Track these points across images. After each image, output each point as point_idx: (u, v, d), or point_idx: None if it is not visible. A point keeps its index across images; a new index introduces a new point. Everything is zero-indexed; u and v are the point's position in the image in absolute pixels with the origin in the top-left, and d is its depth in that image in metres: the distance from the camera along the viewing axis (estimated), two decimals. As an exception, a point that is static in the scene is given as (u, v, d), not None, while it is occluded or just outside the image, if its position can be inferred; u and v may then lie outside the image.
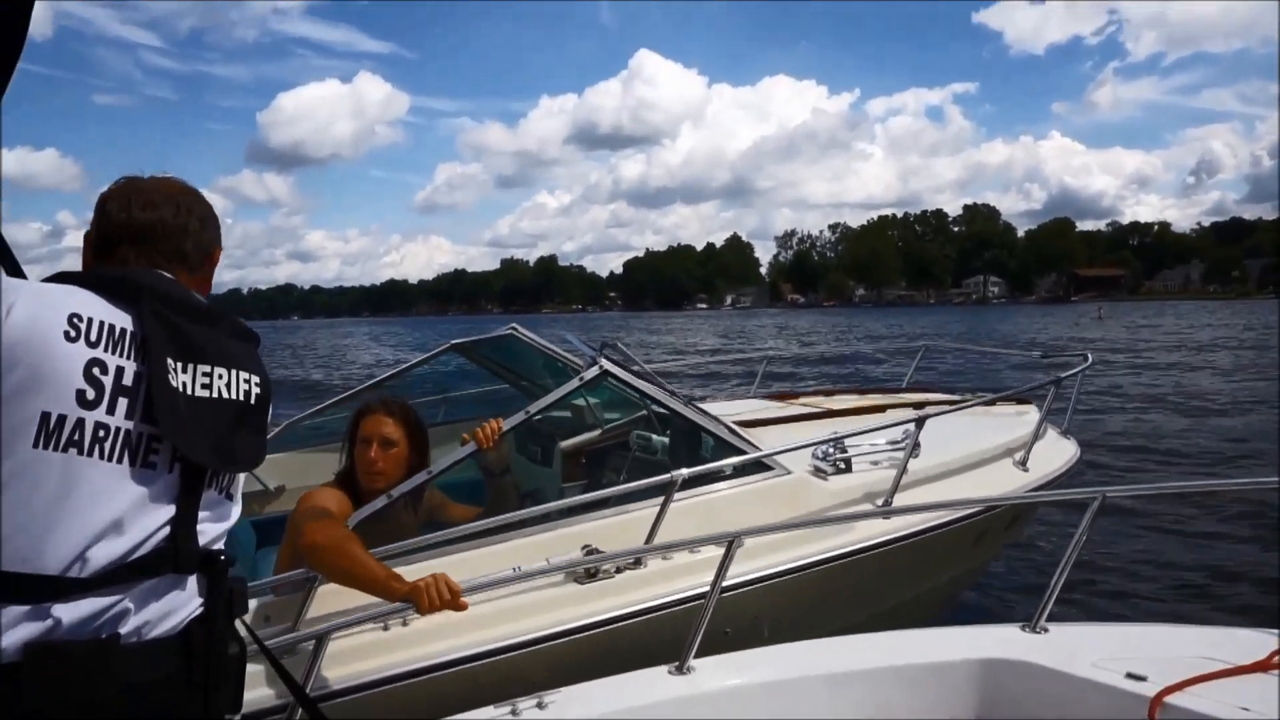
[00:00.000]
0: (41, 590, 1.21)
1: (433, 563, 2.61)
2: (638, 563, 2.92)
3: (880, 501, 3.46)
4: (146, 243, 1.48)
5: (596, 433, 3.90)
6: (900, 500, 3.47)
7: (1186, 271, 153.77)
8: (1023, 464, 4.14)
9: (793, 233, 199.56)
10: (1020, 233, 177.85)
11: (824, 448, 3.58)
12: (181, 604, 1.36)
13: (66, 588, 1.22)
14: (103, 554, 1.26)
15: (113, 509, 1.28)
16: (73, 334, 1.27)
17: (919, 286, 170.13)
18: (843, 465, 3.59)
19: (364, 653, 2.46)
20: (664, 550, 2.98)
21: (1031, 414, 4.90)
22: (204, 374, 1.38)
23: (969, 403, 4.64)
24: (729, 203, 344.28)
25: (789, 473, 3.38)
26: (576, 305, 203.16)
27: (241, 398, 1.42)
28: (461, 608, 2.13)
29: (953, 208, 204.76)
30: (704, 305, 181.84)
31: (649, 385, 3.53)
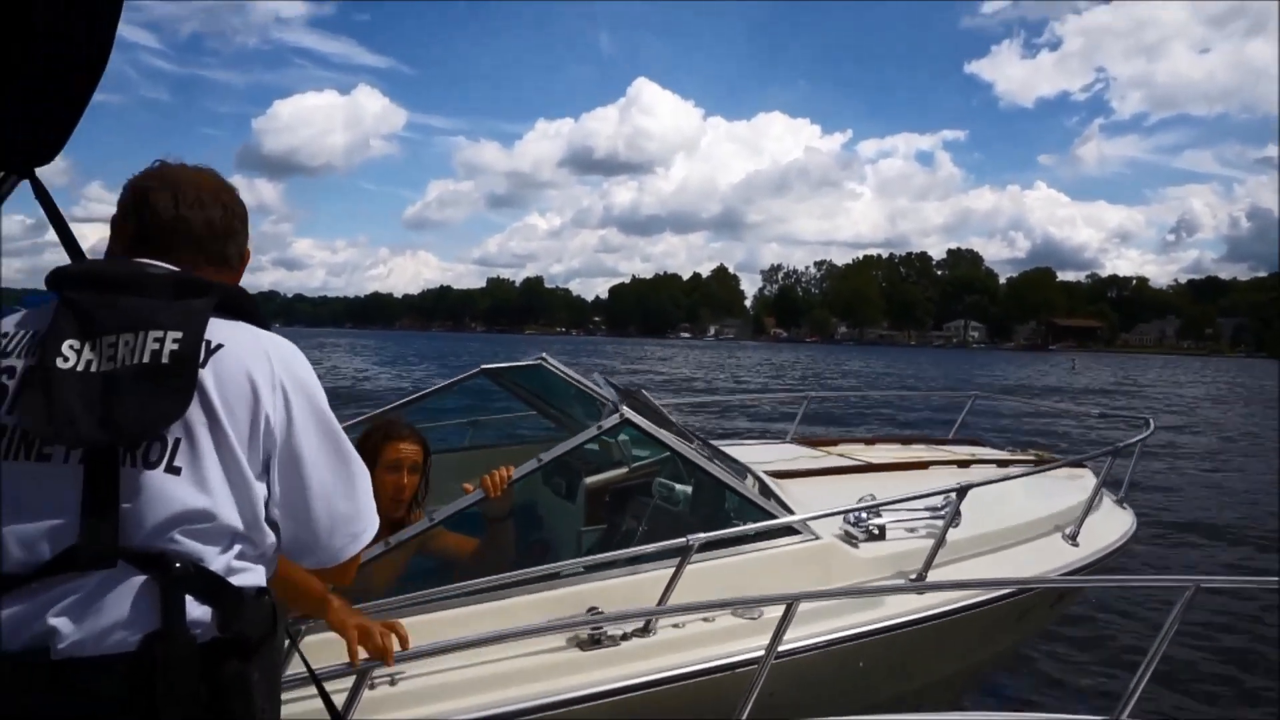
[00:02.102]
0: None
1: (424, 618, 2.45)
2: (647, 629, 2.68)
3: (913, 574, 3.21)
4: (194, 243, 1.44)
5: (624, 470, 3.64)
6: (936, 575, 3.21)
7: (1162, 326, 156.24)
8: (1073, 538, 3.84)
9: (779, 267, 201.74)
10: (1002, 279, 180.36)
11: (857, 514, 3.33)
12: (122, 617, 1.20)
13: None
14: (13, 554, 1.20)
15: (15, 508, 1.22)
16: None
17: (901, 327, 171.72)
18: (876, 532, 3.33)
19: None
20: (679, 612, 2.75)
21: (1086, 479, 4.61)
22: (109, 345, 1.27)
23: (1015, 474, 4.39)
24: (718, 234, 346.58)
25: (817, 538, 3.15)
26: (561, 328, 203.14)
27: (147, 358, 1.25)
28: (386, 661, 1.93)
29: (938, 251, 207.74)
30: (688, 334, 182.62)
31: (673, 437, 3.28)
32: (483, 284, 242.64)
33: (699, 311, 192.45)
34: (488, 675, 2.40)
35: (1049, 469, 4.77)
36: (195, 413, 1.28)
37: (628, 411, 3.05)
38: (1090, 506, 4.04)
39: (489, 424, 4.61)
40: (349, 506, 1.45)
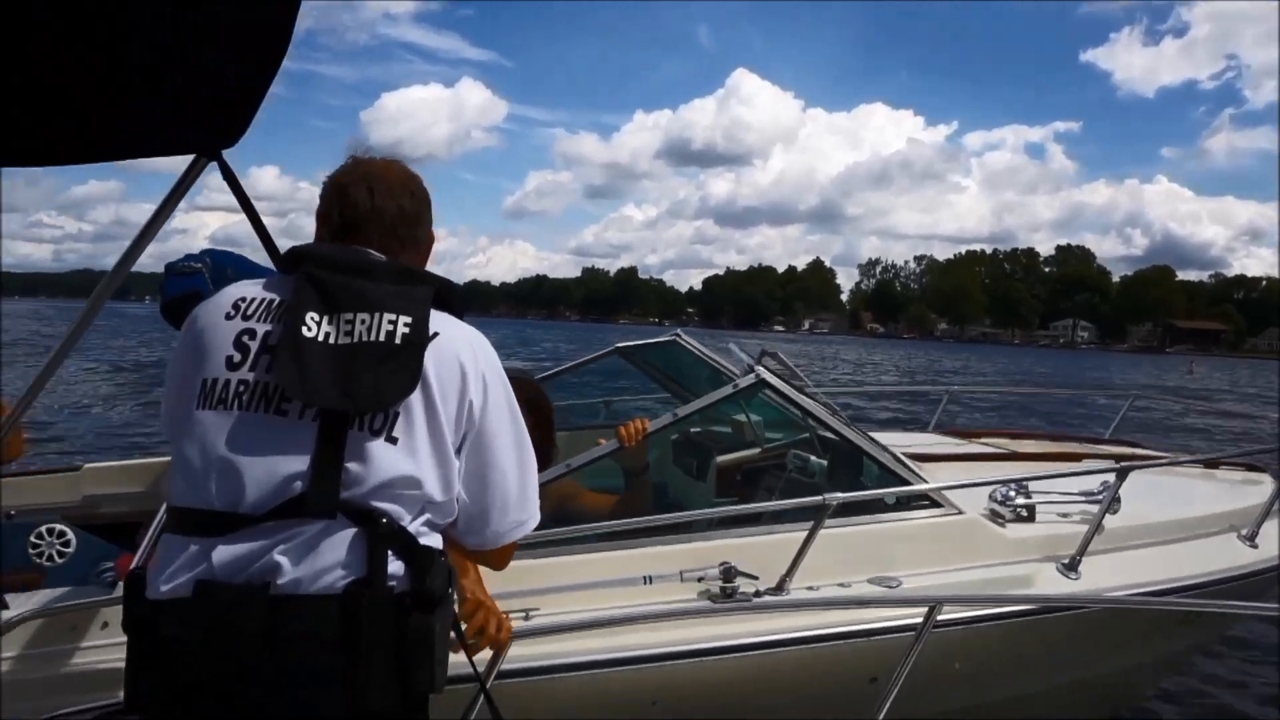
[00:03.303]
0: (209, 526, 1.34)
1: (560, 560, 2.50)
2: (780, 588, 2.62)
3: (1065, 560, 2.98)
4: (388, 229, 1.57)
5: (756, 450, 3.60)
6: (1090, 564, 2.97)
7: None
8: (1250, 539, 3.41)
9: (877, 261, 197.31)
10: (1116, 278, 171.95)
11: (1004, 490, 3.11)
12: (336, 562, 1.34)
13: (224, 525, 1.33)
14: (247, 496, 1.34)
15: (251, 455, 1.35)
16: (231, 313, 1.47)
17: (1004, 325, 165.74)
18: (1024, 513, 3.10)
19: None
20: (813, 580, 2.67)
21: (1266, 484, 4.06)
22: (346, 321, 1.41)
23: (1183, 461, 4.06)
24: (815, 227, 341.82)
25: (960, 513, 2.96)
26: (653, 318, 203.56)
27: (383, 338, 1.40)
28: (481, 645, 1.91)
29: (1045, 248, 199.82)
30: (781, 328, 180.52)
31: (809, 401, 3.13)
32: (578, 273, 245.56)
33: (793, 305, 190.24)
34: (619, 619, 2.37)
35: (1222, 460, 4.36)
36: (415, 391, 1.41)
37: (763, 371, 2.96)
38: (1271, 509, 3.59)
39: (623, 404, 4.65)
40: (520, 495, 1.58)
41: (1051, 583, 2.91)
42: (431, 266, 1.70)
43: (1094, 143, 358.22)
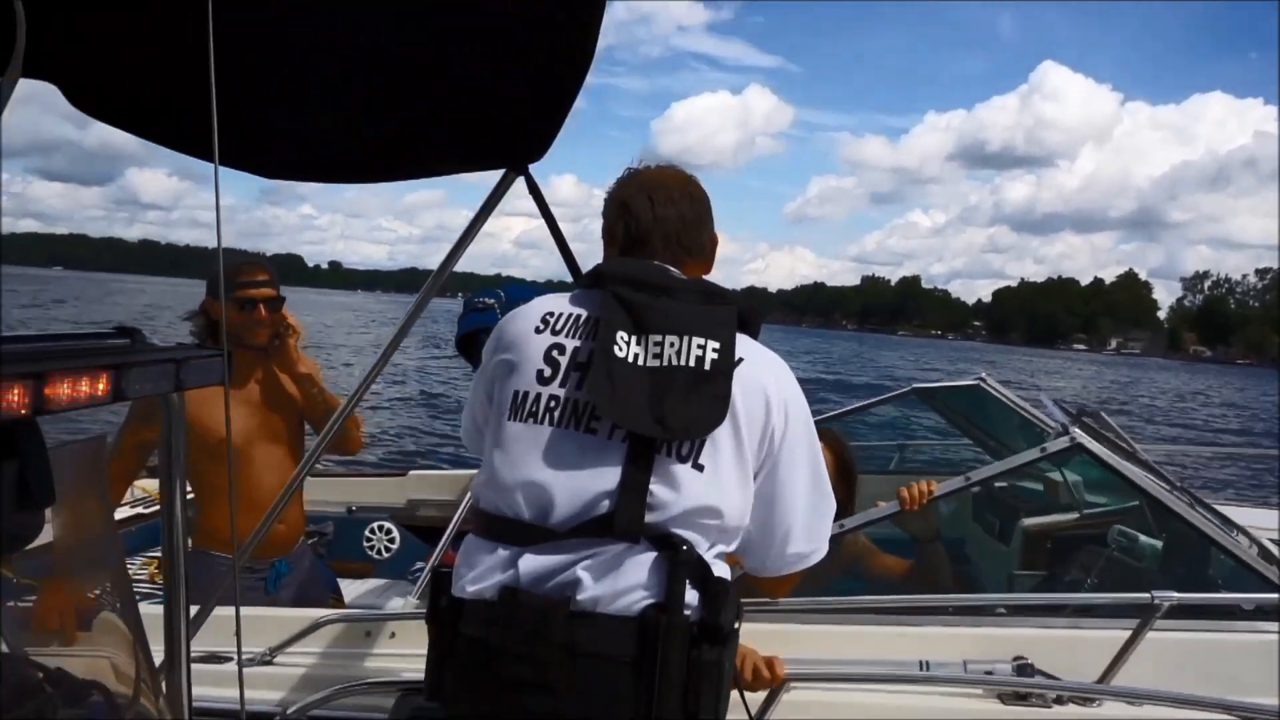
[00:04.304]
0: (517, 535, 1.39)
1: (828, 629, 2.27)
2: (1088, 700, 2.23)
3: None
4: (672, 238, 1.57)
5: (1073, 516, 3.18)
6: None
7: None
8: None
9: (1206, 274, 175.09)
10: None
11: None
12: (636, 584, 1.36)
13: (531, 536, 1.38)
14: (555, 510, 1.37)
15: (560, 470, 1.39)
16: (540, 327, 1.50)
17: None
18: None
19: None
20: (1146, 698, 2.24)
21: None
22: (655, 343, 1.41)
23: None
24: (1129, 235, 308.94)
25: None
26: (936, 330, 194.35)
27: (693, 364, 1.39)
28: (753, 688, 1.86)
29: None
30: (1082, 346, 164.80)
31: (1139, 473, 2.74)
32: (857, 281, 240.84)
33: (1097, 321, 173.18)
34: (889, 705, 2.15)
35: None
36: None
37: (1080, 435, 2.55)
38: None
39: (918, 448, 4.36)
40: (808, 528, 1.53)
41: None
42: (715, 272, 1.69)
43: None
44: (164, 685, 1.33)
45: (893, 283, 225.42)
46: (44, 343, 1.03)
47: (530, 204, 2.28)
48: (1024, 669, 2.23)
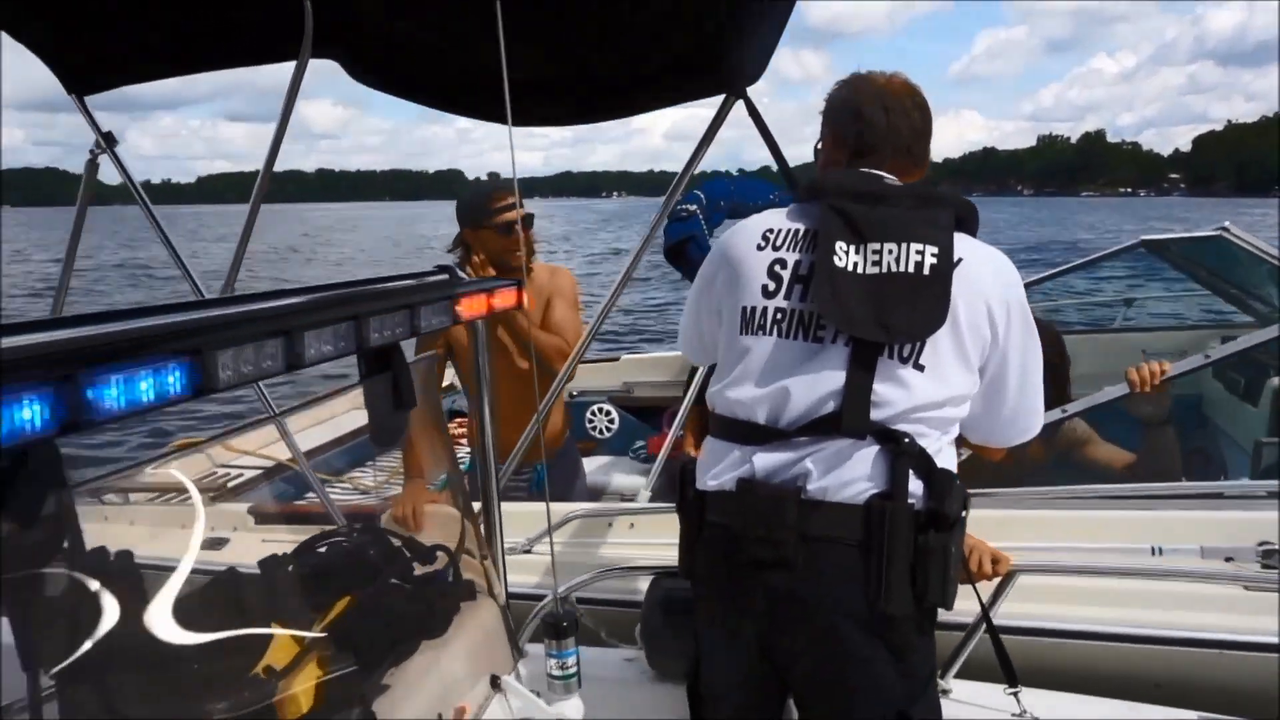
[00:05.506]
0: (751, 436, 1.50)
1: (1054, 514, 2.27)
2: None
3: None
4: (903, 148, 1.60)
5: None
6: None
7: None
8: None
9: None
10: None
11: None
12: (860, 475, 1.43)
13: (764, 436, 1.49)
14: (786, 413, 1.48)
15: (789, 377, 1.48)
16: (762, 244, 1.57)
17: None
18: None
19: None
20: None
21: None
22: (874, 251, 1.46)
23: None
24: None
25: None
26: (1125, 188, 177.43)
27: (912, 269, 1.44)
28: (982, 576, 1.83)
29: None
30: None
31: None
32: (1032, 142, 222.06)
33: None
34: (1123, 590, 2.12)
35: None
36: None
37: None
38: None
39: (1147, 303, 4.32)
40: (1029, 406, 1.59)
41: None
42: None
43: None
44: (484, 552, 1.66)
45: (1073, 140, 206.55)
46: (395, 282, 1.30)
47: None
48: (1271, 553, 2.07)
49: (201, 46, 2.61)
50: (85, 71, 2.69)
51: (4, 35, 2.30)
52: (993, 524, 1.88)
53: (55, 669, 0.83)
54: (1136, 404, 2.40)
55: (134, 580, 0.94)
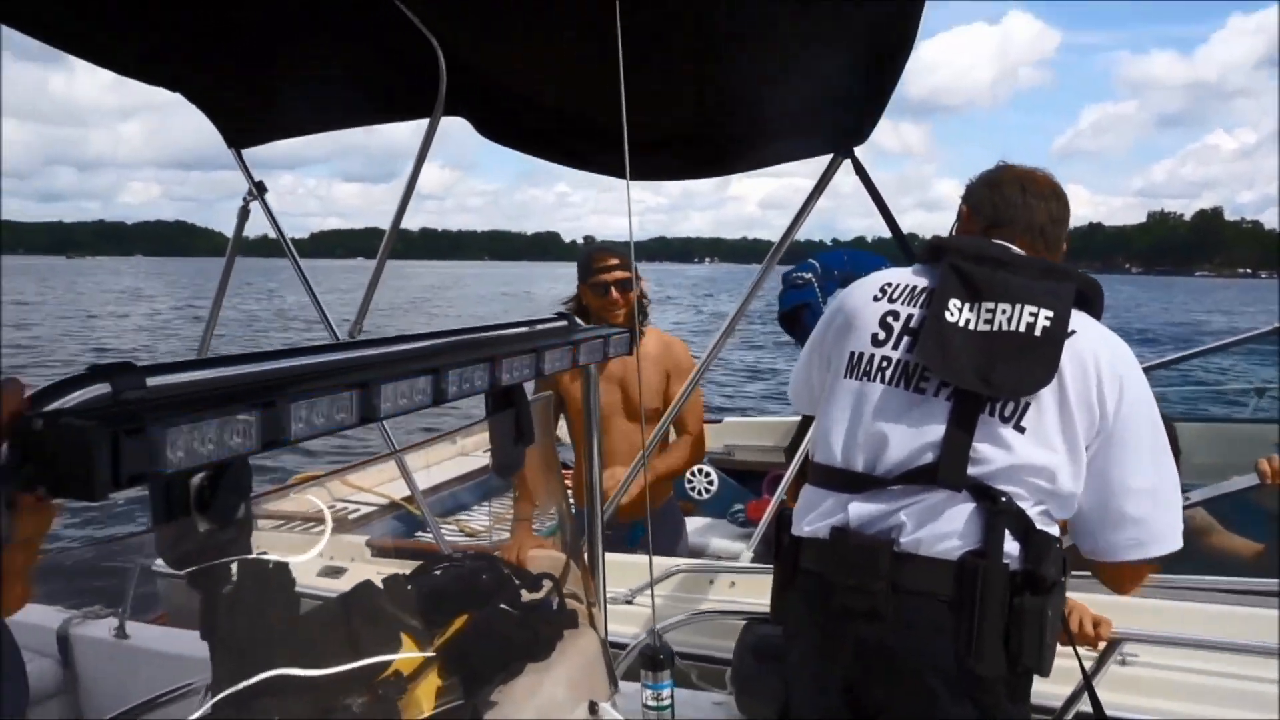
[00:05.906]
0: (848, 484, 1.53)
1: (1173, 605, 2.16)
2: None
3: None
4: (1036, 228, 1.65)
5: None
6: None
7: None
8: None
9: None
10: None
11: None
12: (955, 531, 1.43)
13: (860, 484, 1.51)
14: (883, 461, 1.49)
15: (888, 424, 1.50)
16: (879, 295, 1.63)
17: None
18: None
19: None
20: None
21: None
22: (987, 310, 1.48)
23: None
24: None
25: None
26: (1244, 269, 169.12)
27: (1023, 329, 1.45)
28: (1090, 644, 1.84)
29: None
30: None
31: None
32: (1142, 218, 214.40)
33: None
34: (1246, 693, 2.00)
35: None
36: (1049, 385, 1.44)
37: None
38: None
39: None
40: (1143, 511, 1.48)
41: None
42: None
43: None
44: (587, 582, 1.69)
45: (1187, 217, 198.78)
46: (519, 328, 1.29)
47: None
48: None
49: (345, 103, 2.80)
50: (243, 125, 2.88)
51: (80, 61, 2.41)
52: (1100, 608, 1.85)
53: (226, 645, 0.95)
54: (1266, 496, 2.30)
55: (288, 581, 1.06)
